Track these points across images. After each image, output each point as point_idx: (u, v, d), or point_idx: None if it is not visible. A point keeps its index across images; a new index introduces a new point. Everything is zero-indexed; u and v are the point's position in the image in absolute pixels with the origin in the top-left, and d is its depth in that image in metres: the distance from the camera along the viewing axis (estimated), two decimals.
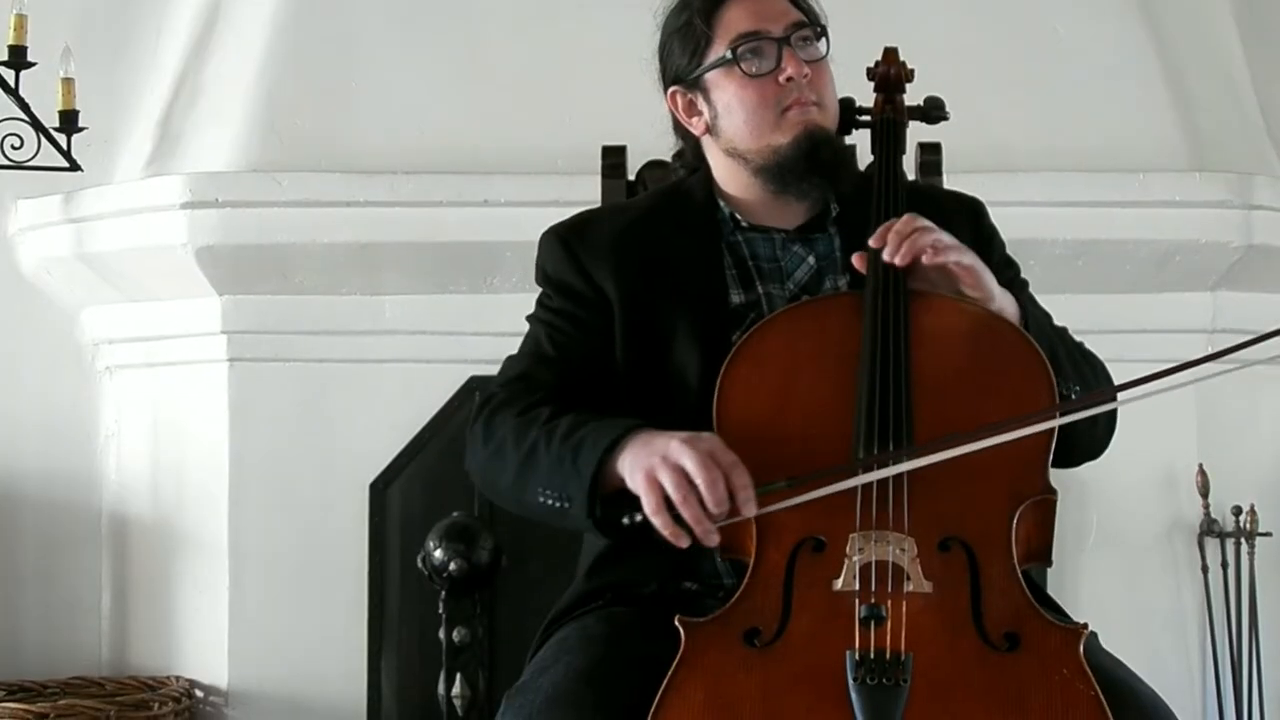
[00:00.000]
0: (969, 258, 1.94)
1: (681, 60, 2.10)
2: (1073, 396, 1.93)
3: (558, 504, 1.91)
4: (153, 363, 3.80)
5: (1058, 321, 2.10)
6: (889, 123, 2.16)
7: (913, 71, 2.20)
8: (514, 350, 2.14)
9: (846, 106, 2.17)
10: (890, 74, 2.20)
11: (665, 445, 1.82)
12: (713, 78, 2.07)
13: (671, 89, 2.13)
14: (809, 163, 2.04)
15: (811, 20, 2.08)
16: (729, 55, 2.05)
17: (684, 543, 1.80)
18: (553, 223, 2.17)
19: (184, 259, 3.55)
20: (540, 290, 2.15)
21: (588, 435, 1.89)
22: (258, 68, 3.65)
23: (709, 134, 2.11)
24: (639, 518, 1.82)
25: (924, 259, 1.91)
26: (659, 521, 1.80)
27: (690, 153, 2.18)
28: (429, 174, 3.52)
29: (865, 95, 2.20)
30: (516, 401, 2.01)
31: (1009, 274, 2.11)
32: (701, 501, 1.78)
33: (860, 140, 2.20)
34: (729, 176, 2.12)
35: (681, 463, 1.79)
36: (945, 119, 2.20)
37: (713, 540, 1.80)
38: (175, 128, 3.74)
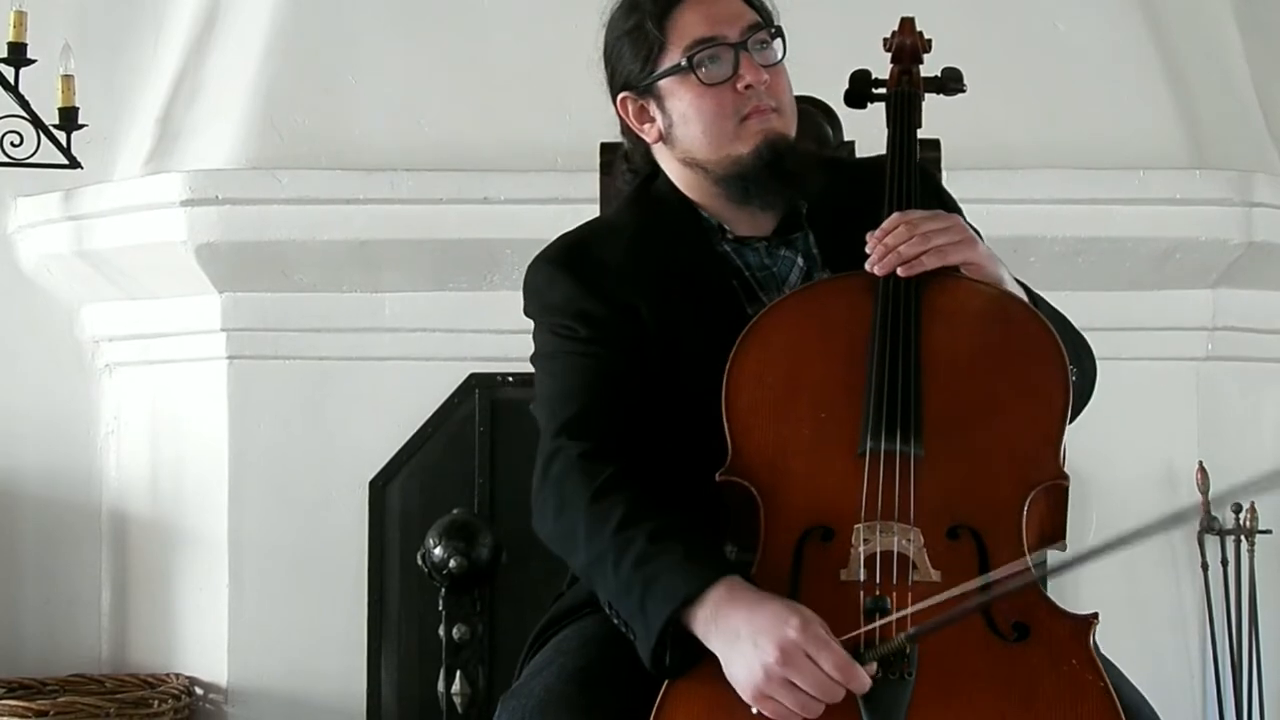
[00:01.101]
0: (973, 254, 1.91)
1: (633, 66, 2.00)
2: (1072, 379, 1.89)
3: (623, 628, 1.82)
4: (152, 360, 3.79)
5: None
6: (905, 95, 2.11)
7: (930, 42, 2.15)
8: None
9: (862, 78, 2.14)
10: (907, 44, 2.15)
11: (763, 657, 1.67)
12: (667, 85, 1.99)
13: (622, 95, 2.03)
14: (771, 172, 1.98)
15: (767, 21, 2.02)
16: (684, 64, 1.97)
17: None
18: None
19: (183, 256, 3.55)
20: (546, 323, 2.02)
21: (659, 579, 1.75)
22: (257, 65, 3.65)
23: (662, 142, 2.04)
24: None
25: (931, 260, 1.87)
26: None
27: (640, 158, 2.10)
28: (429, 171, 3.52)
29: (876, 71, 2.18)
30: (585, 471, 1.87)
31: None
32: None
33: (875, 114, 2.16)
34: (689, 185, 2.05)
35: (795, 680, 1.67)
36: (963, 91, 2.15)
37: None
38: (175, 125, 3.74)
